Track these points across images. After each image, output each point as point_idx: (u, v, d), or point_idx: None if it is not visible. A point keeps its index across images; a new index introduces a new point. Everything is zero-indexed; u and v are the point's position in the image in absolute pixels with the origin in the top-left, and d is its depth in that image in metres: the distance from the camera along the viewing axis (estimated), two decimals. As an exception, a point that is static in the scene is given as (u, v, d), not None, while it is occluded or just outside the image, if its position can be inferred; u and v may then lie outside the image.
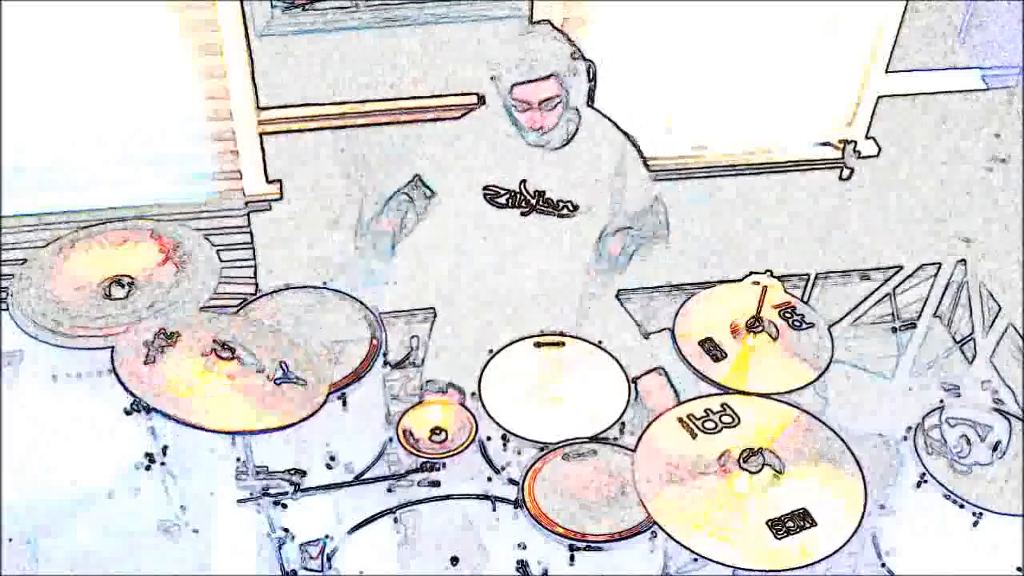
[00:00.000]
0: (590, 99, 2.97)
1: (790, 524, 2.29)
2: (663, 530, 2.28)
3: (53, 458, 3.07)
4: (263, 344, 2.55)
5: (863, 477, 2.39)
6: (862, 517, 2.31)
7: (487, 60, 2.89)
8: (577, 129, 2.93)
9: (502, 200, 2.95)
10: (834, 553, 2.25)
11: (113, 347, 2.48)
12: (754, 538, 2.26)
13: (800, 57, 3.41)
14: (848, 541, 2.27)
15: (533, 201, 2.94)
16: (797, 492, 2.35)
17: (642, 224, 3.09)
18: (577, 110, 2.92)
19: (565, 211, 2.96)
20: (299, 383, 2.49)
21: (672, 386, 3.03)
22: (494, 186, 2.94)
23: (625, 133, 3.03)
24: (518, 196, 2.94)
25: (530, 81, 2.74)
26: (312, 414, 2.45)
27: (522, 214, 2.97)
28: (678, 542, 2.25)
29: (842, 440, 2.47)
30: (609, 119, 3.03)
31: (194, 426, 2.37)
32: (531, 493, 2.51)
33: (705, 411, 2.51)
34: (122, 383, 2.39)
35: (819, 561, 2.24)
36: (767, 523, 2.29)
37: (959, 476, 2.64)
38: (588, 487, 2.53)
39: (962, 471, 2.65)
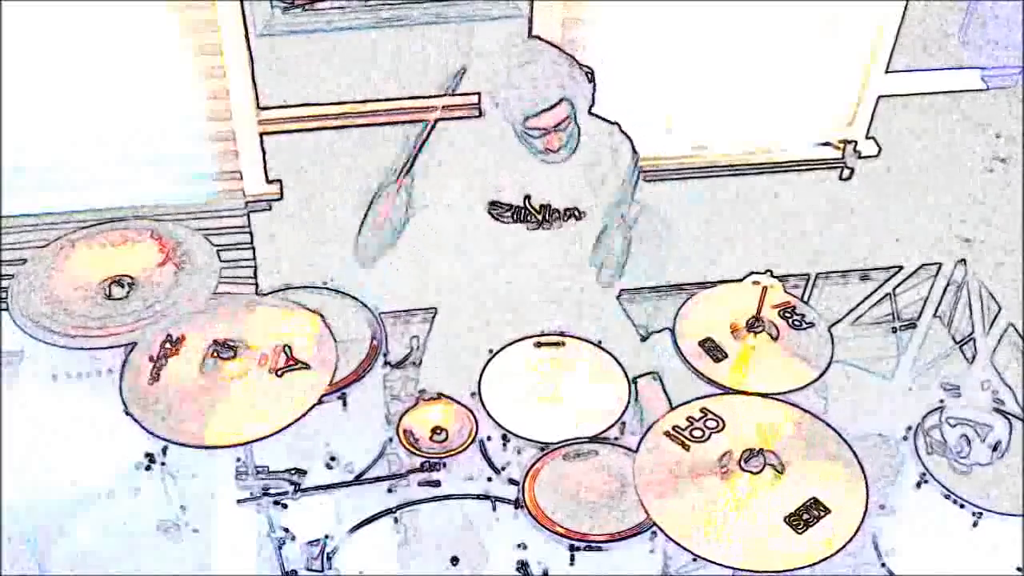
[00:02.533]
0: (592, 104, 2.96)
1: (806, 516, 2.29)
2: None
3: (53, 458, 3.07)
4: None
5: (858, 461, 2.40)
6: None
7: (486, 87, 2.89)
8: (579, 139, 2.92)
9: (508, 216, 2.95)
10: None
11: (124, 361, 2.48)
12: (775, 538, 2.27)
13: (800, 57, 3.41)
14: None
15: (539, 216, 2.94)
16: (799, 483, 2.35)
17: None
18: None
19: (572, 219, 2.95)
20: (303, 368, 2.48)
21: (665, 392, 3.02)
22: (498, 203, 2.94)
23: (625, 133, 3.02)
24: (524, 212, 2.94)
25: (544, 111, 2.75)
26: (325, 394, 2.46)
27: (529, 229, 2.97)
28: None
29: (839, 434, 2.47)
30: (607, 120, 3.02)
31: (203, 447, 2.38)
32: (531, 493, 2.51)
33: (688, 419, 2.51)
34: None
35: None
36: (785, 519, 2.29)
37: (959, 476, 2.64)
38: (588, 487, 2.53)
39: (962, 471, 2.65)
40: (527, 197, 2.92)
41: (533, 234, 3.02)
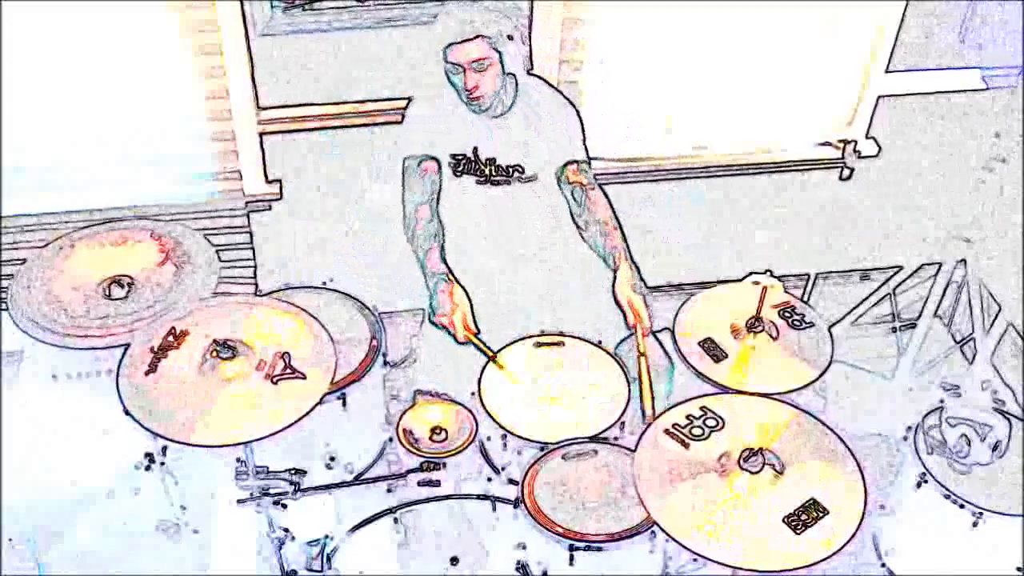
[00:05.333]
0: (529, 64, 2.95)
1: (805, 517, 2.29)
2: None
3: (53, 458, 3.07)
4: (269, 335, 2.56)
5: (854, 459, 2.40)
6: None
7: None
8: (516, 96, 2.92)
9: (460, 168, 2.95)
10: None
11: (123, 356, 2.49)
12: (774, 538, 2.27)
13: (800, 57, 3.42)
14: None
15: (486, 170, 2.94)
16: (799, 483, 2.36)
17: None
18: (514, 76, 2.91)
19: (516, 176, 2.95)
20: (299, 377, 2.48)
21: (664, 350, 3.00)
22: (455, 154, 2.94)
23: (568, 100, 2.99)
24: (472, 164, 2.93)
25: (459, 43, 2.75)
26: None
27: (478, 183, 2.96)
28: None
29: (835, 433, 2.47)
30: (550, 84, 3.00)
31: (194, 444, 2.37)
32: (531, 493, 2.51)
33: (688, 417, 2.51)
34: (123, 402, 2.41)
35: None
36: (784, 520, 2.29)
37: (959, 476, 2.64)
38: (588, 487, 2.53)
39: (962, 471, 2.65)
40: (475, 149, 2.92)
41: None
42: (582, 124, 2.99)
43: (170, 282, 2.74)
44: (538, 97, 2.96)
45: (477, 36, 2.75)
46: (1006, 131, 3.60)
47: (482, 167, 2.93)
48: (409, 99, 2.99)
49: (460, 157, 2.93)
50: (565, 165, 2.97)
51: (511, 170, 2.94)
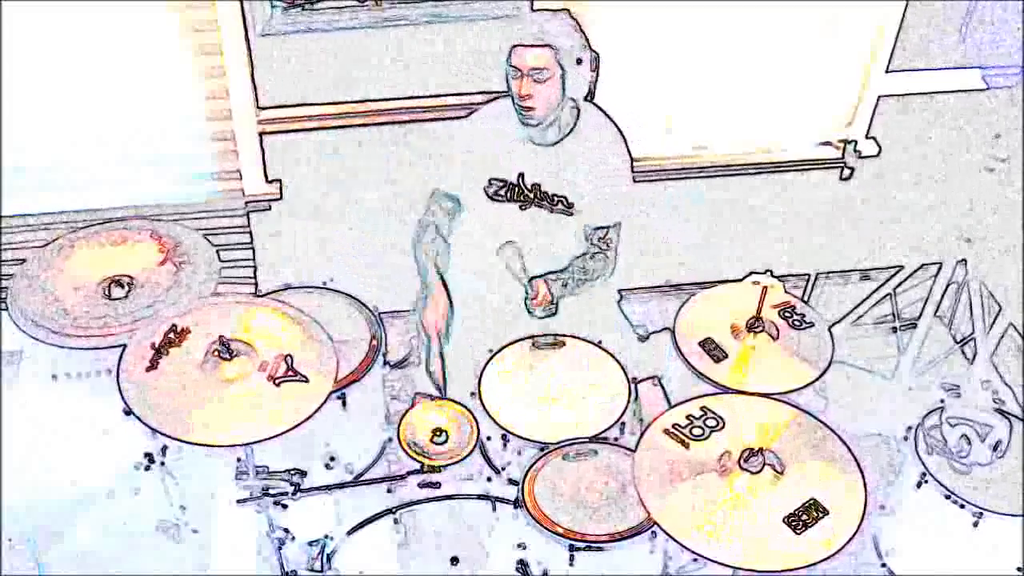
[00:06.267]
0: (591, 93, 2.92)
1: (805, 517, 2.29)
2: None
3: (53, 458, 3.07)
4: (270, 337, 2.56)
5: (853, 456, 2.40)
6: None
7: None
8: (575, 125, 2.89)
9: (501, 193, 2.94)
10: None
11: (121, 354, 2.49)
12: (774, 538, 2.28)
13: (800, 57, 3.42)
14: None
15: (530, 195, 2.92)
16: (799, 483, 2.36)
17: (582, 267, 3.01)
18: (576, 105, 2.88)
19: (560, 207, 2.93)
20: (301, 380, 2.48)
21: (666, 397, 3.01)
22: (493, 178, 2.92)
23: (623, 135, 2.99)
24: (516, 189, 2.92)
25: (525, 46, 2.72)
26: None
27: (520, 208, 2.95)
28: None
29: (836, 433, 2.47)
30: (610, 117, 3.00)
31: (195, 443, 2.37)
32: (531, 493, 2.51)
33: (688, 417, 2.51)
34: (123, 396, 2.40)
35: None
36: (784, 520, 2.29)
37: (959, 476, 2.64)
38: (588, 487, 2.53)
39: (962, 471, 2.65)
40: (521, 175, 2.90)
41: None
42: (630, 154, 2.95)
43: (170, 282, 2.74)
44: (594, 129, 2.90)
45: (545, 44, 2.70)
46: (1006, 131, 3.60)
47: (526, 192, 2.91)
48: (497, 95, 2.94)
49: (502, 183, 2.92)
50: (598, 228, 2.96)
51: (555, 199, 2.91)
